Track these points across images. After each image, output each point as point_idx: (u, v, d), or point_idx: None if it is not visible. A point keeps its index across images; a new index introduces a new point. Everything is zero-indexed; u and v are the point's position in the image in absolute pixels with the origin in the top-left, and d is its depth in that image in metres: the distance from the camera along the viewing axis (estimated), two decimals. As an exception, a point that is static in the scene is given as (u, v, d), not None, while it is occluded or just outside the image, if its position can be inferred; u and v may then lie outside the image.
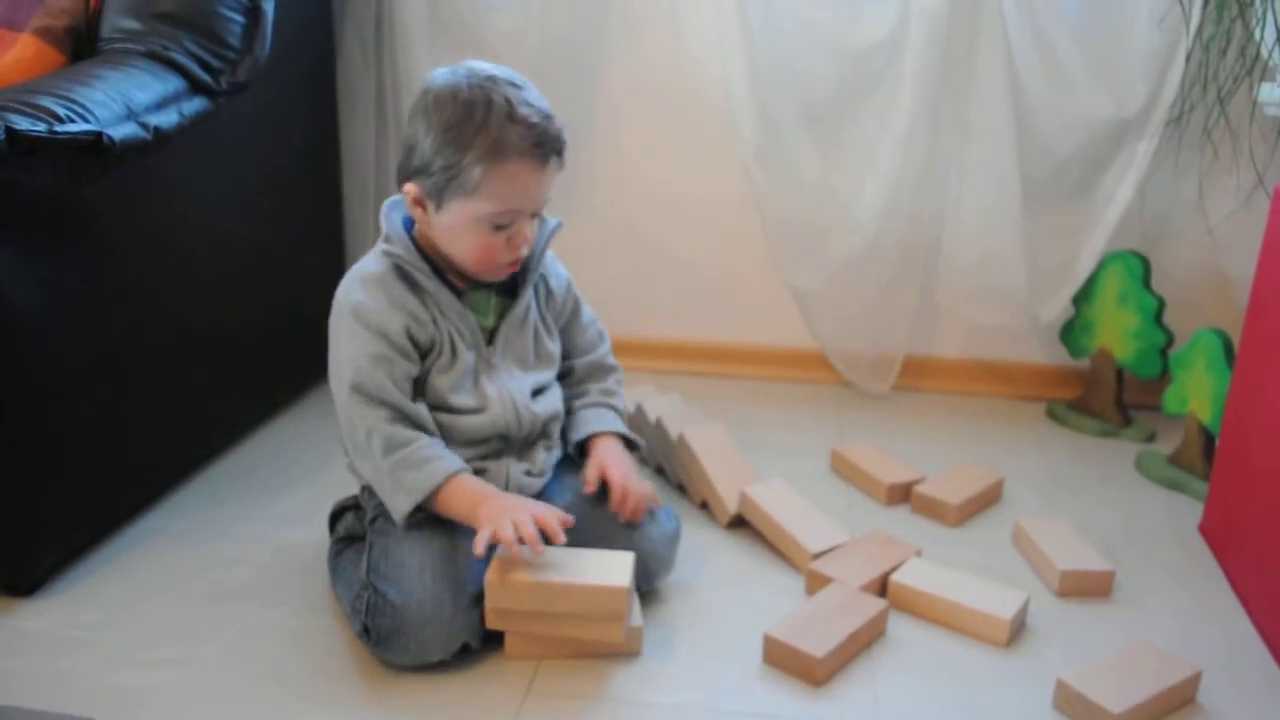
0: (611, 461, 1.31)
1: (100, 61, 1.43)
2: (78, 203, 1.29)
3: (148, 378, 1.45)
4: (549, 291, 1.37)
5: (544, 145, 1.18)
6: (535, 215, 1.25)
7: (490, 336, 1.29)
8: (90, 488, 1.37)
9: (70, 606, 1.29)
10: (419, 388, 1.25)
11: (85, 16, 1.54)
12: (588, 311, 1.42)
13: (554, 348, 1.36)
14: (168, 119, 1.39)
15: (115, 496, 1.45)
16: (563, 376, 1.40)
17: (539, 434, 1.33)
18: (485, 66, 1.21)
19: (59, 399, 1.29)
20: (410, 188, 1.22)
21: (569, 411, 1.38)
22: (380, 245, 1.26)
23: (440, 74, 1.21)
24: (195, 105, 1.47)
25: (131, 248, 1.41)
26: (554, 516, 1.18)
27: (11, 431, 1.25)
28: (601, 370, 1.41)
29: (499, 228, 1.21)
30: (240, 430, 1.75)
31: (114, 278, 1.38)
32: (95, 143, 1.26)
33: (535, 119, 1.17)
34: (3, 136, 1.16)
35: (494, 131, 1.16)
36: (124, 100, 1.35)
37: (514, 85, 1.19)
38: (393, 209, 1.29)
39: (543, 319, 1.36)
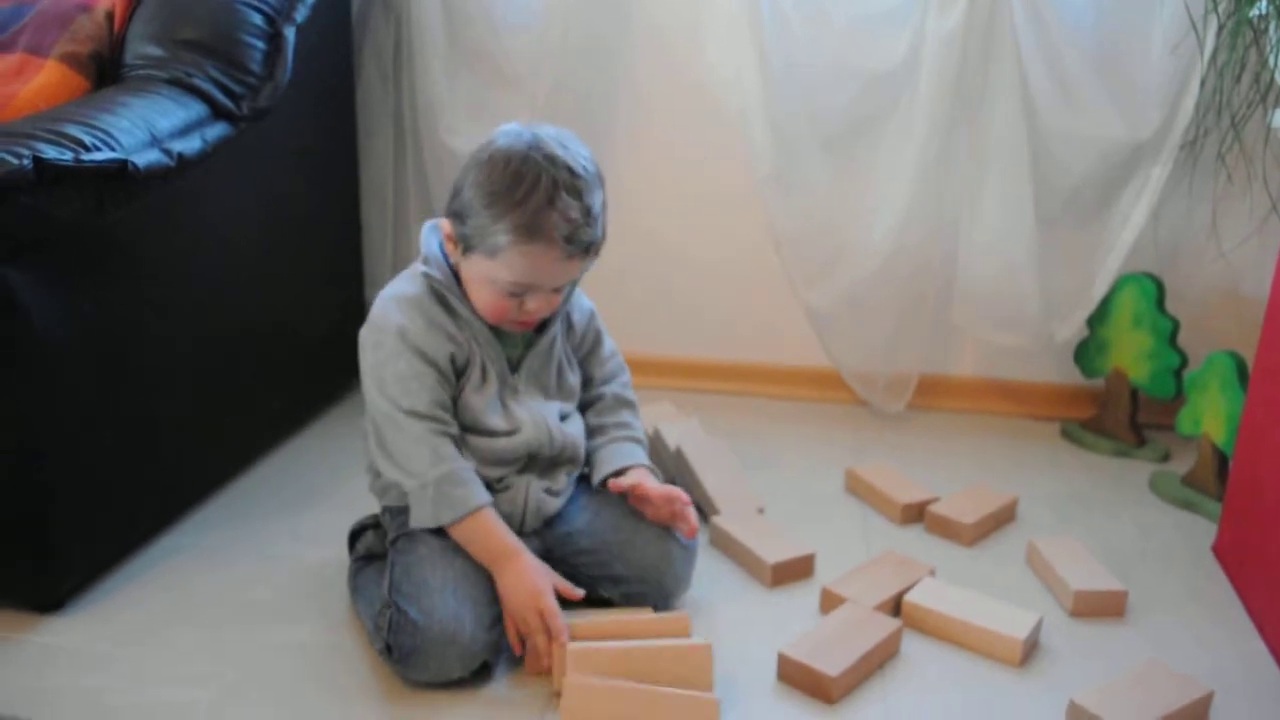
0: (648, 480, 1.33)
1: (124, 88, 1.46)
2: (103, 228, 1.32)
3: (170, 398, 1.48)
4: (570, 324, 1.39)
5: (574, 242, 1.19)
6: (558, 291, 1.26)
7: (515, 366, 1.31)
8: (115, 506, 1.39)
9: (95, 624, 1.31)
10: (452, 409, 1.27)
11: (109, 42, 1.57)
12: (609, 344, 1.44)
13: (574, 380, 1.38)
14: (191, 145, 1.42)
15: (139, 514, 1.47)
16: (589, 404, 1.42)
17: (567, 457, 1.35)
18: (552, 142, 1.20)
19: (84, 419, 1.32)
20: (445, 224, 1.26)
21: (591, 448, 1.39)
22: (419, 267, 1.28)
23: (508, 132, 1.22)
24: (217, 131, 1.49)
25: (155, 271, 1.43)
26: (558, 622, 1.20)
27: (37, 451, 1.27)
28: (620, 404, 1.43)
29: (514, 295, 1.23)
30: (260, 448, 1.78)
31: (138, 301, 1.40)
32: (121, 170, 1.28)
33: (574, 214, 1.18)
34: (31, 166, 1.18)
35: (530, 212, 1.17)
36: (148, 127, 1.38)
37: (571, 173, 1.19)
38: (431, 232, 1.31)
39: (565, 352, 1.37)
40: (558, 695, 1.16)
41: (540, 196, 1.17)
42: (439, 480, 1.22)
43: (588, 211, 1.20)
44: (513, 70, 1.95)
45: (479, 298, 1.25)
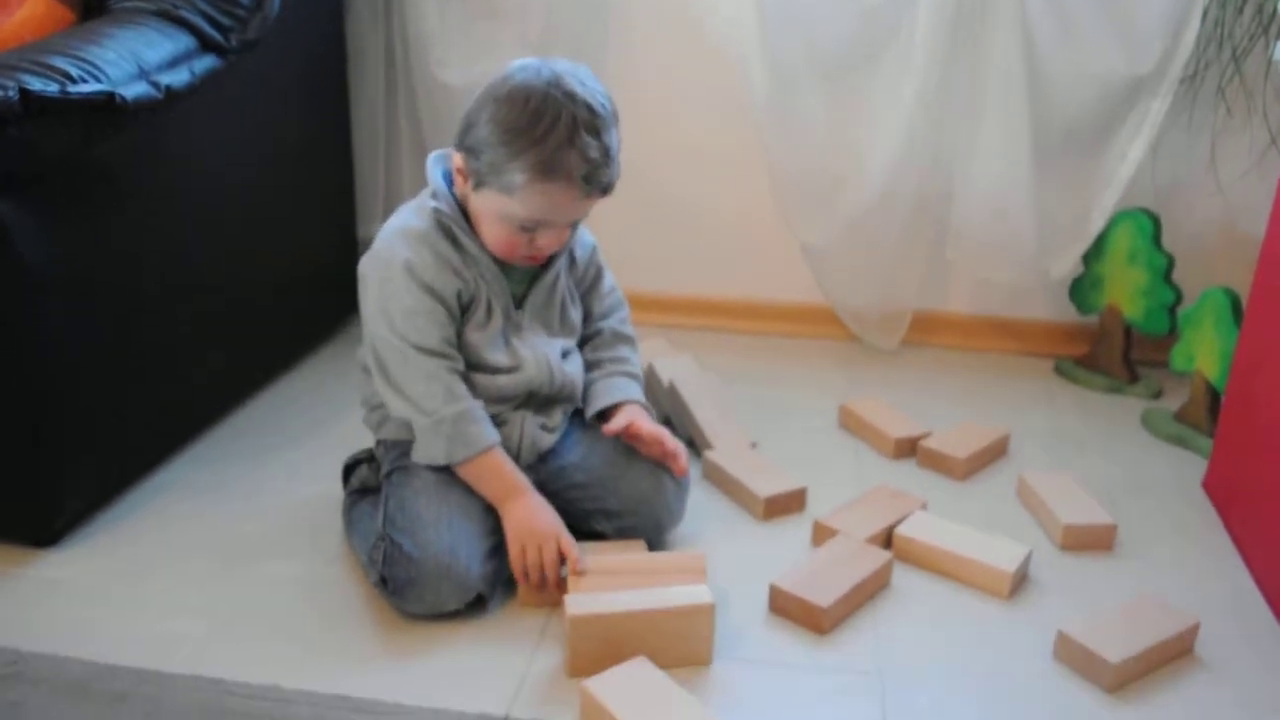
0: (641, 419, 1.33)
1: (111, 20, 1.44)
2: (91, 162, 1.30)
3: (163, 332, 1.48)
4: (573, 259, 1.38)
5: (592, 181, 1.18)
6: (570, 226, 1.26)
7: (519, 301, 1.31)
8: (108, 442, 1.40)
9: (90, 558, 1.32)
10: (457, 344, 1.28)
11: (96, -27, 1.55)
12: (609, 279, 1.44)
13: (576, 317, 1.38)
14: (179, 78, 1.40)
15: (133, 449, 1.47)
16: (587, 339, 1.42)
17: (565, 395, 1.35)
18: (571, 78, 1.18)
19: (76, 354, 1.32)
20: (456, 158, 1.24)
21: (587, 381, 1.39)
22: (428, 201, 1.27)
23: (526, 66, 1.20)
24: (206, 63, 1.47)
25: (144, 205, 1.42)
26: (575, 550, 1.22)
27: (30, 387, 1.27)
28: (618, 339, 1.43)
29: (525, 230, 1.22)
30: (255, 384, 1.78)
31: (127, 235, 1.39)
32: (108, 102, 1.27)
33: (593, 153, 1.17)
34: (16, 97, 1.17)
35: (550, 150, 1.16)
36: (135, 59, 1.36)
37: (591, 111, 1.17)
38: (436, 163, 1.30)
39: (568, 287, 1.37)
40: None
41: (560, 134, 1.15)
42: (455, 418, 1.23)
43: (606, 151, 1.19)
44: (504, 2, 1.92)
45: (489, 233, 1.24)
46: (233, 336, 1.66)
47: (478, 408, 1.25)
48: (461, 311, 1.27)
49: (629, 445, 1.33)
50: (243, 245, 1.65)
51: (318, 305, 1.93)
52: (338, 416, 1.66)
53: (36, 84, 1.20)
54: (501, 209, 1.21)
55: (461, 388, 1.25)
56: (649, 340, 1.82)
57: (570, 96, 1.17)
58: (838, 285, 2.02)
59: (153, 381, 1.47)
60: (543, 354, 1.31)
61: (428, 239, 1.25)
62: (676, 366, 1.71)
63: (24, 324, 1.25)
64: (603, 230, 1.43)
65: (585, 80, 1.20)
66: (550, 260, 1.32)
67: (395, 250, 1.25)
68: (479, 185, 1.22)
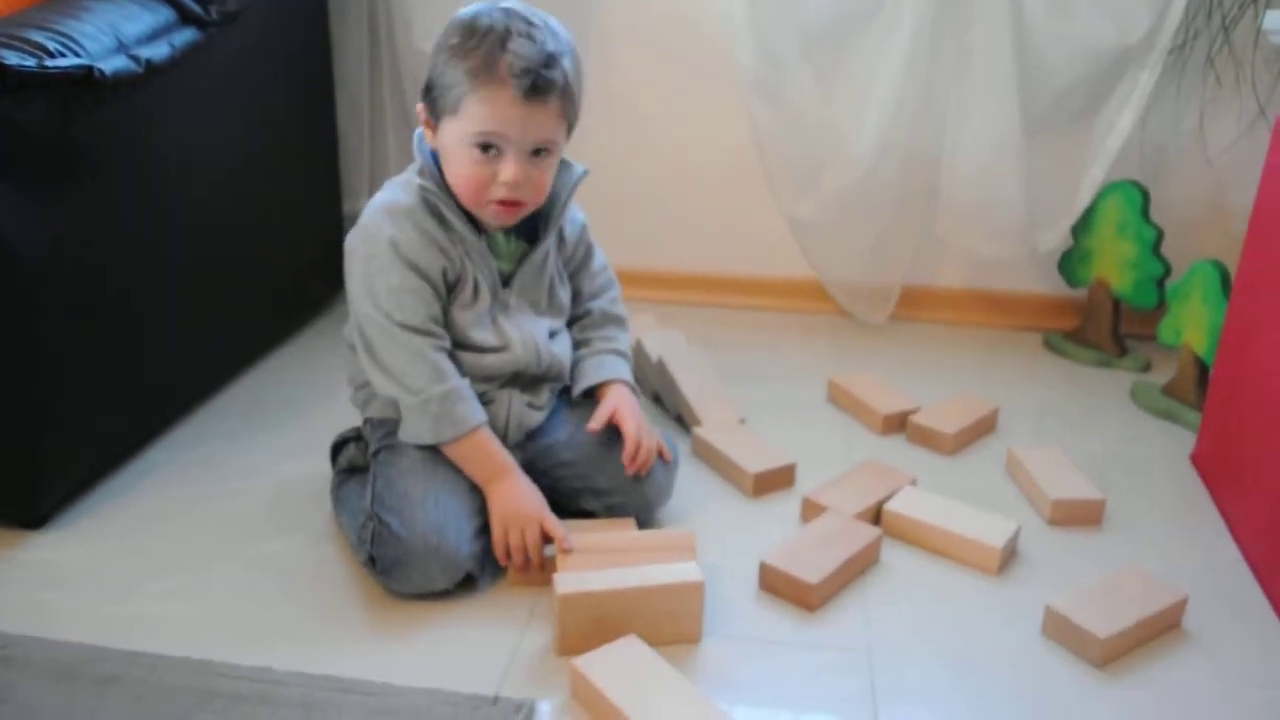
0: (625, 411, 1.32)
1: (89, -8, 1.42)
2: (70, 137, 1.28)
3: (147, 311, 1.46)
4: (563, 237, 1.37)
5: (526, 78, 1.16)
6: (539, 154, 1.22)
7: (506, 280, 1.30)
8: (95, 421, 1.39)
9: (79, 539, 1.31)
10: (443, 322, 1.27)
11: (73, -55, 1.52)
12: (600, 258, 1.43)
13: (565, 296, 1.37)
14: (158, 51, 1.38)
15: (120, 430, 1.46)
16: (577, 319, 1.41)
17: (552, 375, 1.34)
18: (517, 4, 1.21)
19: (59, 334, 1.30)
20: (419, 108, 1.25)
21: (575, 359, 1.39)
22: (414, 177, 1.26)
23: (471, 5, 1.22)
24: (186, 36, 1.46)
25: (126, 181, 1.40)
26: (560, 530, 1.22)
27: (14, 368, 1.26)
28: (607, 319, 1.42)
29: (485, 150, 1.20)
30: (241, 362, 1.77)
31: (109, 211, 1.38)
32: (86, 77, 1.25)
33: (527, 52, 1.16)
34: (-7, 72, 1.15)
35: (483, 54, 1.16)
36: (114, 32, 1.34)
37: (528, 22, 1.18)
38: (423, 139, 1.29)
39: (557, 267, 1.36)
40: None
41: (493, 38, 1.17)
42: (442, 397, 1.22)
43: (544, 53, 1.18)
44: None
45: (456, 175, 1.23)
46: (218, 314, 1.64)
47: (465, 386, 1.24)
48: (448, 290, 1.26)
49: (616, 424, 1.33)
50: (227, 221, 1.63)
51: (304, 281, 1.91)
52: (326, 394, 1.65)
53: (13, 59, 1.18)
54: (456, 134, 1.20)
55: (448, 366, 1.24)
56: (637, 315, 1.81)
57: (507, 11, 1.19)
58: (826, 260, 2.01)
59: (138, 361, 1.46)
60: (530, 334, 1.30)
61: (413, 216, 1.24)
62: (665, 342, 1.70)
63: (6, 304, 1.23)
64: (591, 205, 1.42)
65: (536, 11, 1.21)
66: (536, 237, 1.31)
67: (381, 227, 1.23)
68: (437, 120, 1.22)
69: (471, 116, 1.18)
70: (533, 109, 1.18)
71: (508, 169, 1.20)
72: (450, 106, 1.19)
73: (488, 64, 1.16)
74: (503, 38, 1.16)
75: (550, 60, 1.18)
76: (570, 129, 1.26)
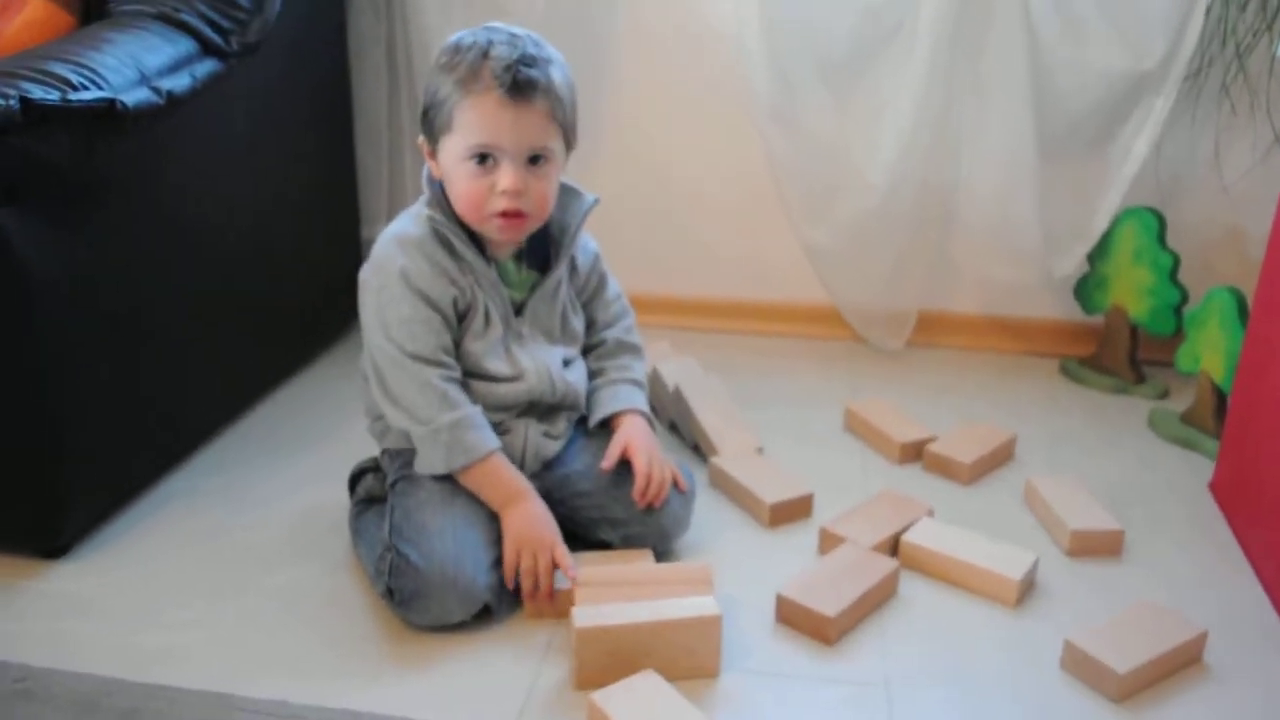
0: (637, 444, 1.32)
1: (111, 24, 1.43)
2: (92, 168, 1.30)
3: (167, 340, 1.47)
4: (575, 266, 1.37)
5: (507, 75, 1.18)
6: (536, 163, 1.23)
7: (519, 309, 1.30)
8: (115, 451, 1.39)
9: (98, 570, 1.32)
10: (455, 353, 1.27)
11: (95, -23, 1.54)
12: (614, 286, 1.43)
13: (578, 325, 1.38)
14: (179, 82, 1.40)
15: (139, 459, 1.47)
16: (592, 348, 1.41)
17: (568, 404, 1.35)
18: (501, 26, 1.24)
19: (81, 364, 1.31)
20: (421, 141, 1.27)
21: (591, 389, 1.39)
22: (423, 209, 1.27)
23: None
24: (207, 67, 1.47)
25: (146, 210, 1.41)
26: (568, 560, 1.22)
27: (35, 398, 1.26)
28: (622, 348, 1.42)
29: (481, 162, 1.21)
30: (259, 390, 1.77)
31: (130, 241, 1.39)
32: (109, 110, 1.26)
33: (507, 54, 1.19)
34: (18, 106, 1.16)
35: (468, 64, 1.19)
36: (136, 64, 1.35)
37: (510, 34, 1.22)
38: (431, 172, 1.30)
39: (570, 295, 1.37)
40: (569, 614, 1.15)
41: (477, 50, 1.20)
42: (452, 426, 1.22)
43: (523, 53, 1.20)
44: (507, 1, 1.90)
45: (457, 194, 1.24)
46: (237, 342, 1.65)
47: (477, 414, 1.25)
48: (459, 319, 1.26)
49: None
50: (245, 250, 1.64)
51: (323, 308, 1.92)
52: (345, 423, 1.65)
53: (38, 92, 1.20)
54: (452, 152, 1.22)
55: (458, 395, 1.24)
56: (653, 344, 1.82)
57: (490, 29, 1.23)
58: (842, 285, 2.01)
59: (158, 390, 1.46)
60: (543, 363, 1.31)
61: (423, 246, 1.25)
62: (681, 370, 1.70)
63: (28, 334, 1.24)
64: (605, 230, 1.42)
65: (522, 29, 1.25)
66: (548, 266, 1.32)
67: (392, 258, 1.25)
68: (436, 145, 1.24)
69: (463, 128, 1.20)
70: (520, 110, 1.20)
71: (505, 177, 1.21)
72: (444, 123, 1.22)
73: (473, 72, 1.19)
74: (485, 49, 1.20)
75: (529, 59, 1.20)
76: (567, 139, 1.27)
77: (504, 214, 1.23)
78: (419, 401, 1.23)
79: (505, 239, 1.27)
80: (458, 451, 1.23)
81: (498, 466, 1.25)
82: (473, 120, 1.20)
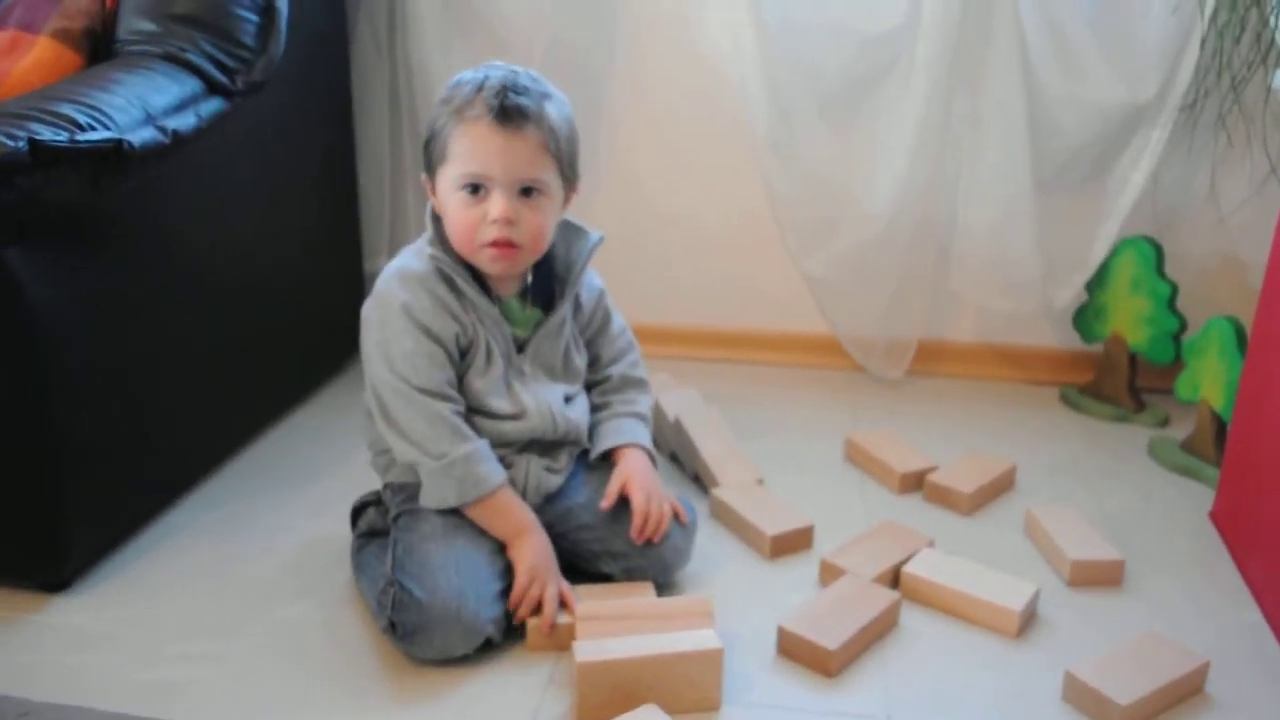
0: (635, 481, 1.32)
1: (118, 65, 1.45)
2: (98, 207, 1.31)
3: (170, 375, 1.48)
4: (579, 304, 1.39)
5: (496, 100, 1.20)
6: (529, 194, 1.24)
7: (521, 346, 1.32)
8: (117, 485, 1.40)
9: (102, 602, 1.32)
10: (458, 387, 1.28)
11: (102, 17, 1.56)
12: (618, 321, 1.44)
13: (581, 362, 1.39)
14: (185, 122, 1.41)
15: (142, 493, 1.48)
16: (597, 383, 1.43)
17: (570, 440, 1.36)
18: (503, 64, 1.27)
19: (84, 399, 1.32)
20: (424, 178, 1.29)
21: (594, 423, 1.40)
22: (426, 246, 1.28)
23: None
24: (212, 106, 1.48)
25: (151, 246, 1.43)
26: (570, 594, 1.25)
27: (39, 432, 1.27)
28: (627, 383, 1.43)
29: (474, 192, 1.22)
30: (262, 423, 1.78)
31: (135, 277, 1.40)
32: (116, 150, 1.28)
33: (499, 85, 1.21)
34: (26, 148, 1.18)
35: (465, 94, 1.22)
36: (142, 104, 1.36)
37: (510, 70, 1.25)
38: (434, 210, 1.31)
39: (573, 333, 1.38)
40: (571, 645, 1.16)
41: (471, 84, 1.23)
42: (465, 459, 1.23)
43: (516, 83, 1.22)
44: (508, 37, 1.93)
45: (453, 226, 1.26)
46: (241, 375, 1.66)
47: (485, 446, 1.26)
48: (461, 355, 1.28)
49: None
50: (250, 284, 1.66)
51: (325, 342, 1.94)
52: (347, 456, 1.66)
53: (46, 133, 1.21)
54: (447, 181, 1.24)
55: (467, 428, 1.26)
56: (654, 374, 1.82)
57: (492, 65, 1.26)
58: (841, 315, 2.02)
59: (161, 424, 1.47)
60: (545, 401, 1.32)
61: (425, 282, 1.26)
62: (681, 401, 1.71)
63: (34, 369, 1.25)
64: (604, 262, 1.43)
65: (524, 68, 1.27)
66: (552, 304, 1.33)
67: (394, 294, 1.26)
68: (434, 181, 1.27)
69: (456, 157, 1.22)
70: (510, 137, 1.21)
71: (495, 205, 1.22)
72: (440, 154, 1.24)
73: (467, 101, 1.22)
74: (481, 82, 1.22)
75: (520, 88, 1.22)
76: (564, 174, 1.27)
77: (495, 244, 1.24)
78: (429, 435, 1.24)
79: (497, 271, 1.27)
80: (470, 485, 1.24)
81: (507, 499, 1.26)
82: (464, 148, 1.22)
